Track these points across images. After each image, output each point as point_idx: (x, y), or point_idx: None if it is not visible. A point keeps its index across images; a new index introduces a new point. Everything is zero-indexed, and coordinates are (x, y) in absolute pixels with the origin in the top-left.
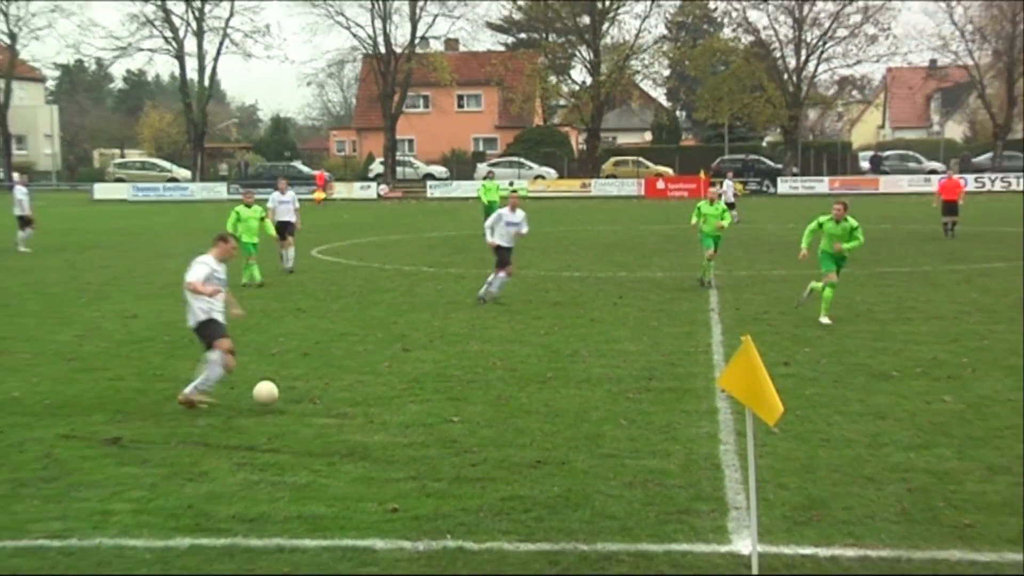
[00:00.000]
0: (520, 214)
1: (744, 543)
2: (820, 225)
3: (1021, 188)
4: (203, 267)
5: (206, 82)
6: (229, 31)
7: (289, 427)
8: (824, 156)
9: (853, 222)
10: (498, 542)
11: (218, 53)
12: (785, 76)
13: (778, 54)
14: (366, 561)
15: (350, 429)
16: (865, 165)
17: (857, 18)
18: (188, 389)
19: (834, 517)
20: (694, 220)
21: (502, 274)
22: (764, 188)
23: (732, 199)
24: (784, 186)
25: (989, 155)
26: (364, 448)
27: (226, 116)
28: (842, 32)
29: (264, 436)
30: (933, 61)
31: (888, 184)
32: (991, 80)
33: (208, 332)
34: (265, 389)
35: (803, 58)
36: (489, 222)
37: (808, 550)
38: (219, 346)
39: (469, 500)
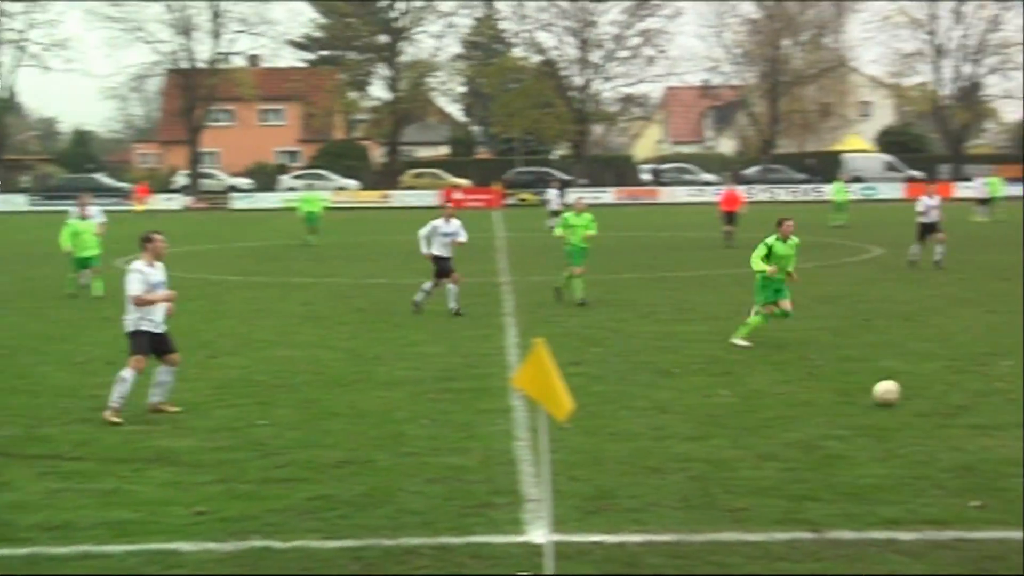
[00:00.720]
0: (455, 223)
1: (539, 533)
2: (769, 248)
3: (786, 199)
4: (136, 275)
5: (3, 94)
6: (27, 44)
7: (95, 435)
8: (610, 168)
9: (796, 239)
10: (304, 540)
11: (15, 66)
12: (572, 93)
13: (565, 73)
14: (173, 564)
15: (157, 435)
16: (647, 177)
17: (637, 40)
18: (110, 406)
19: (621, 505)
20: (559, 231)
21: (451, 285)
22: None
23: (557, 207)
24: (573, 196)
25: (758, 168)
26: (171, 453)
27: (25, 128)
28: (623, 53)
29: (69, 444)
30: (706, 81)
31: (667, 195)
32: (758, 99)
33: (131, 345)
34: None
35: (588, 77)
36: (424, 233)
37: (598, 537)
38: (132, 364)
39: (276, 501)
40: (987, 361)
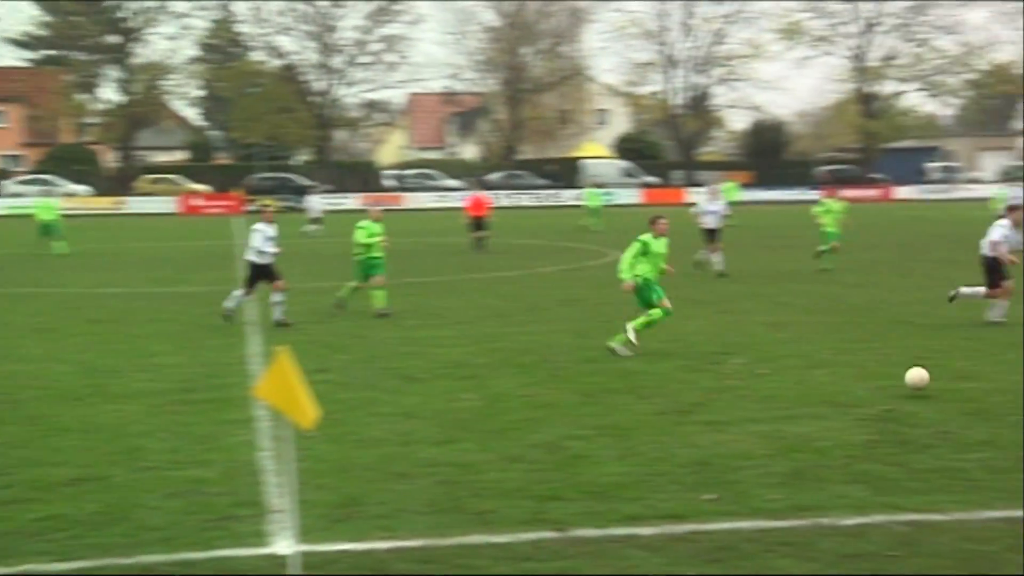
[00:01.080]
0: (274, 228)
1: (284, 544)
2: (645, 245)
3: (528, 204)
4: None
5: None
6: None
7: None
8: (354, 174)
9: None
10: (33, 564)
11: None
12: (314, 98)
13: (306, 78)
14: None
15: None
16: (391, 183)
17: (379, 46)
18: None
19: (368, 512)
20: (364, 240)
21: (278, 295)
22: (297, 205)
23: (317, 215)
24: (324, 203)
25: (500, 174)
26: None
27: None
28: (365, 59)
29: None
30: (449, 87)
31: (411, 200)
32: (500, 106)
33: None
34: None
35: (330, 82)
36: (255, 243)
37: (345, 545)
38: None
39: (0, 524)
40: (719, 359)
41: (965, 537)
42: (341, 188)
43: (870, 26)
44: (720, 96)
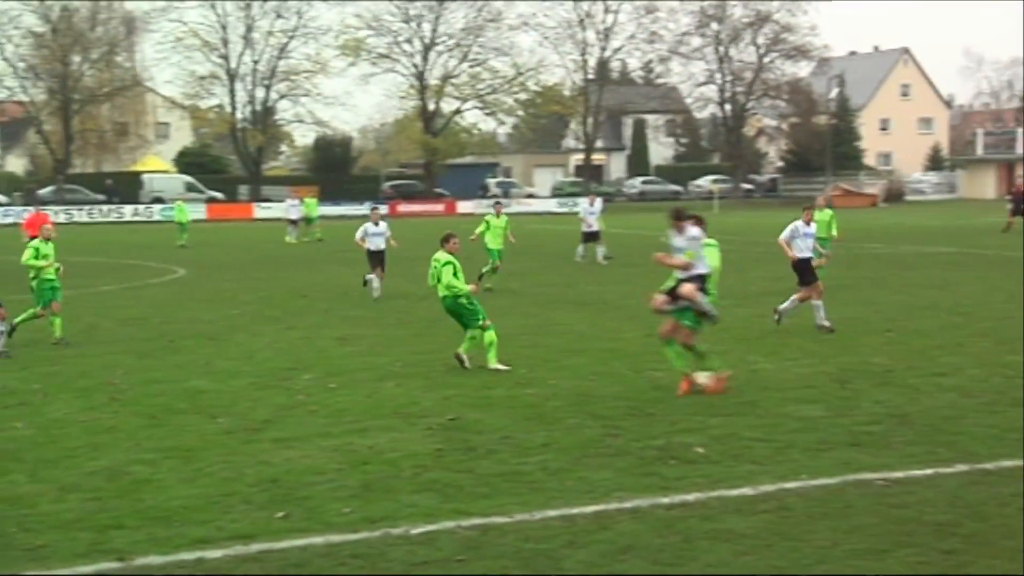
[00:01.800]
0: None
1: None
2: (453, 266)
3: (85, 220)
4: None
5: None
6: None
7: None
8: None
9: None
10: None
11: None
12: None
13: None
14: None
15: None
16: None
17: None
18: None
19: None
20: (35, 262)
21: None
22: None
23: None
24: None
25: (52, 188)
26: None
27: None
28: None
29: None
30: None
31: None
32: (49, 116)
33: None
34: None
35: None
36: None
37: None
38: None
39: None
40: (289, 376)
41: (526, 537)
42: None
43: (429, 46)
44: (285, 111)
